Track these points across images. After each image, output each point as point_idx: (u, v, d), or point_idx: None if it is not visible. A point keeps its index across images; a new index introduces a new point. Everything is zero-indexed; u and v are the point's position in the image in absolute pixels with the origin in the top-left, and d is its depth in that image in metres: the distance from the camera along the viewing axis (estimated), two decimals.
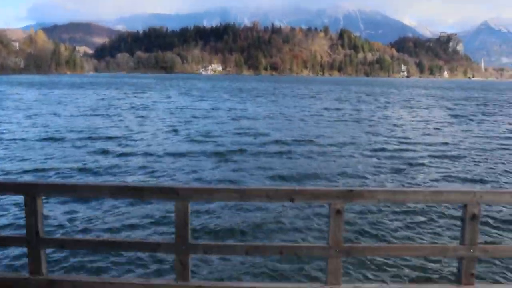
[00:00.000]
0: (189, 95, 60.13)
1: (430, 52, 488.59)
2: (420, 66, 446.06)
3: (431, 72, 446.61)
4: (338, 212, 3.65)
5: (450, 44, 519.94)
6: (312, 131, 23.69)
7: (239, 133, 22.50)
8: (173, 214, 4.06)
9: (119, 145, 18.99)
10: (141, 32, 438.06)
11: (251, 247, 4.02)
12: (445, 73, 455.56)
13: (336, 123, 27.98)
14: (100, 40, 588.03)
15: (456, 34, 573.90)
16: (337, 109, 38.83)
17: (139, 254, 7.38)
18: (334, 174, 13.91)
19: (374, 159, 16.34)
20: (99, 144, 18.92)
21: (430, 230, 9.08)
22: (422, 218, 9.78)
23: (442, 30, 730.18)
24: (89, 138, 20.71)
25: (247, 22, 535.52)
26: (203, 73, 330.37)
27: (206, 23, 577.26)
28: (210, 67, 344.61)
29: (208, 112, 34.94)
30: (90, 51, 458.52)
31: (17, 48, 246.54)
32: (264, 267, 7.21)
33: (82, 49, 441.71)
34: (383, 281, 6.71)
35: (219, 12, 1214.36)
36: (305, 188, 3.74)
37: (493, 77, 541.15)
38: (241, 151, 17.57)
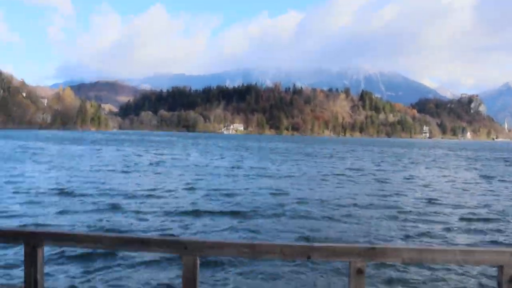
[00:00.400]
0: (210, 153, 59.88)
1: (452, 113, 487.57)
2: (442, 127, 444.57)
3: (454, 133, 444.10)
4: (360, 271, 3.31)
5: (472, 105, 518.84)
6: (334, 191, 22.81)
7: (259, 192, 21.71)
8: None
9: (134, 200, 18.38)
10: (164, 91, 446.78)
11: None
12: (468, 134, 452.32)
13: (359, 183, 27.05)
14: (125, 98, 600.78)
15: (477, 96, 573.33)
16: (360, 169, 37.89)
17: None
18: (356, 235, 13.02)
19: (399, 221, 15.35)
20: (112, 199, 18.34)
21: None
22: (453, 280, 8.96)
23: (463, 91, 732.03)
24: (103, 193, 20.18)
25: (269, 83, 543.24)
26: (225, 132, 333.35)
27: (229, 84, 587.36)
28: (232, 127, 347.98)
29: (228, 170, 34.32)
30: (115, 109, 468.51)
31: (45, 105, 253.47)
32: None
33: (107, 106, 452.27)
34: None
35: (242, 73, 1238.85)
36: (323, 245, 3.43)
37: None
38: (259, 209, 16.77)
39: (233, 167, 36.85)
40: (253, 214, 15.96)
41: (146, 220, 14.63)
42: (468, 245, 12.25)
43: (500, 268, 3.36)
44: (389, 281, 8.94)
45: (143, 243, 3.57)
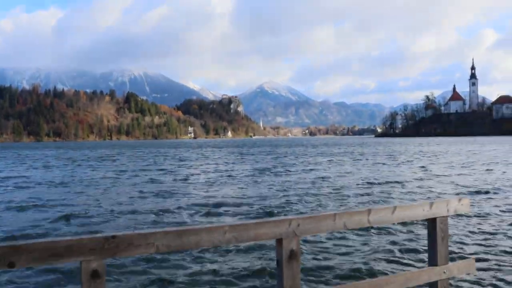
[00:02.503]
0: None
1: (214, 113, 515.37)
2: (205, 127, 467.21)
3: (216, 133, 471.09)
4: (96, 274, 2.58)
5: (232, 105, 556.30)
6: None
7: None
8: None
9: None
10: None
11: None
12: (229, 133, 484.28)
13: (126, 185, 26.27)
14: None
15: (236, 97, 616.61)
16: (125, 170, 37.08)
17: None
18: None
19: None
20: None
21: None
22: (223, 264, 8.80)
23: (224, 93, 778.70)
24: None
25: (26, 85, 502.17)
26: None
27: None
28: None
29: None
30: None
31: None
32: None
33: None
34: None
35: None
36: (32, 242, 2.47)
37: (271, 135, 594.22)
38: None
39: None
40: None
41: None
42: None
43: (278, 241, 3.20)
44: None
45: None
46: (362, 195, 18.88)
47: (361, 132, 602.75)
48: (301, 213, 15.17)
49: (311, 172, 31.35)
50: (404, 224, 11.61)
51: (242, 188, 22.52)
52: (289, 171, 32.42)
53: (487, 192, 18.92)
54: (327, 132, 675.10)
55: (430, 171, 30.21)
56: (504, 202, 16.16)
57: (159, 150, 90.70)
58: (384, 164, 38.50)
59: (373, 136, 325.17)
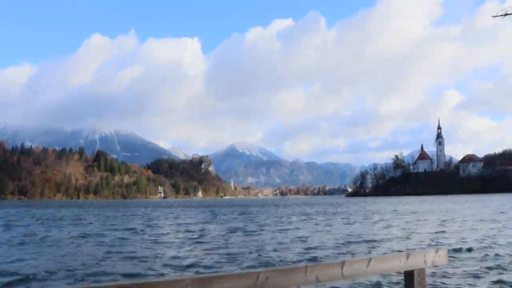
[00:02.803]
0: None
1: (185, 173, 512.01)
2: (176, 187, 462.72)
3: (187, 192, 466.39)
4: None
5: (203, 165, 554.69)
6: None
7: None
8: None
9: None
10: None
11: None
12: (199, 193, 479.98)
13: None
14: None
15: (207, 156, 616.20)
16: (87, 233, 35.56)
17: None
18: None
19: None
20: None
21: None
22: None
23: (195, 152, 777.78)
24: None
25: None
26: None
27: None
28: None
29: None
30: None
31: None
32: None
33: None
34: None
35: None
36: None
37: (242, 195, 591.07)
38: None
39: None
40: None
41: None
42: None
43: None
44: None
45: None
46: (339, 254, 18.26)
47: (331, 192, 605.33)
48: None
49: (285, 231, 30.57)
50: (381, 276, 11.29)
51: (213, 248, 21.57)
52: (262, 230, 31.56)
53: (469, 250, 18.61)
54: (298, 192, 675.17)
55: (407, 229, 29.83)
56: (485, 259, 15.78)
57: (128, 210, 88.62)
58: (359, 222, 38.06)
59: (344, 195, 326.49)
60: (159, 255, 19.12)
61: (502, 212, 50.18)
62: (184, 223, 42.01)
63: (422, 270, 3.92)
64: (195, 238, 26.74)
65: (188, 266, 15.76)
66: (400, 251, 18.63)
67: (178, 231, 32.65)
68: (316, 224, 37.13)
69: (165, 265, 16.15)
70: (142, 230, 33.47)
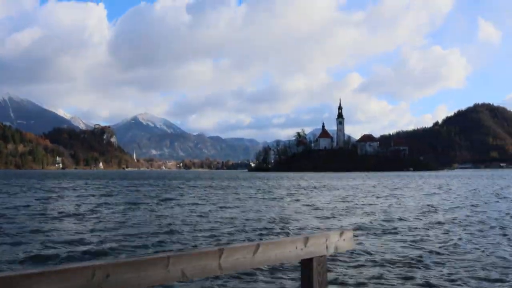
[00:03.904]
0: None
1: (86, 143, 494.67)
2: (75, 158, 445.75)
3: (87, 163, 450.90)
4: None
5: (104, 136, 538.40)
6: None
7: None
8: None
9: None
10: None
11: None
12: (101, 164, 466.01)
13: None
14: None
15: (109, 127, 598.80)
16: None
17: None
18: None
19: None
20: None
21: None
22: None
23: (98, 123, 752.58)
24: None
25: None
26: None
27: None
28: None
29: None
30: None
31: None
32: None
33: None
34: None
35: None
36: None
37: (145, 167, 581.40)
38: None
39: None
40: None
41: None
42: None
43: None
44: None
45: None
46: (236, 231, 17.83)
47: (235, 167, 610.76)
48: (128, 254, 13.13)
49: (184, 206, 29.96)
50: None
51: (97, 223, 20.49)
52: (160, 205, 30.71)
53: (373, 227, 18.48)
54: (201, 166, 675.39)
55: (314, 205, 30.25)
56: (395, 238, 15.91)
57: (19, 181, 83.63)
58: (263, 199, 38.17)
59: (247, 170, 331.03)
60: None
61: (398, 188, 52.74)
62: (77, 196, 40.03)
63: (323, 258, 3.36)
64: (76, 214, 25.39)
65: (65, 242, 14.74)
66: (298, 234, 16.39)
67: (66, 206, 31.00)
68: (219, 199, 36.81)
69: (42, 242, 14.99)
70: (31, 204, 31.40)
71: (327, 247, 3.38)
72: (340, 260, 11.45)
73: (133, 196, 40.93)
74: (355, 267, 10.94)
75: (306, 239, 3.25)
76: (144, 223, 20.26)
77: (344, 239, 3.55)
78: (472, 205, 29.16)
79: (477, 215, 23.08)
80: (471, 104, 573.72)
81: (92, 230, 17.66)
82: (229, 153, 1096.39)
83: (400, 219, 21.33)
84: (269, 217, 22.39)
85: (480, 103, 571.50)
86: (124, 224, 19.80)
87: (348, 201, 33.65)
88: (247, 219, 21.63)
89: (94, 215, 23.28)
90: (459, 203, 30.96)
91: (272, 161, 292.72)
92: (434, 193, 44.62)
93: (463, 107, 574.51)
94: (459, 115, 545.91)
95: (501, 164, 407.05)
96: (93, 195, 41.00)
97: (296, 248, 3.17)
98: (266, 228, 18.39)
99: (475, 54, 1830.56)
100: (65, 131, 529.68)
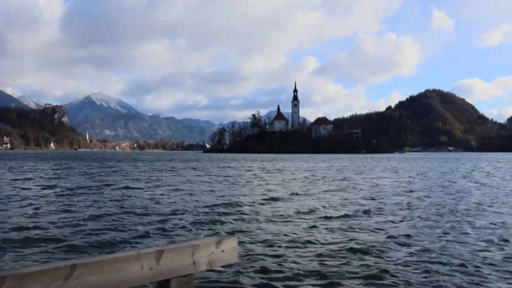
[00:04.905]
0: None
1: (36, 123, 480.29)
2: (25, 138, 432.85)
3: (38, 144, 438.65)
4: None
5: (56, 116, 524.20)
6: None
7: None
8: None
9: None
10: None
11: None
12: (52, 145, 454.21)
13: None
14: None
15: (61, 106, 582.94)
16: None
17: None
18: None
19: None
20: None
21: None
22: None
23: (49, 102, 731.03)
24: None
25: None
26: None
27: None
28: None
29: None
30: None
31: None
32: None
33: None
34: None
35: None
36: None
37: (98, 148, 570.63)
38: None
39: None
40: None
41: None
42: None
43: None
44: None
45: None
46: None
47: (190, 148, 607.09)
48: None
49: (135, 190, 29.81)
50: None
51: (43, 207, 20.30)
52: (107, 187, 30.41)
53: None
54: (156, 147, 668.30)
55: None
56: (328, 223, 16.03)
57: None
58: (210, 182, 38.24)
59: (202, 151, 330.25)
60: None
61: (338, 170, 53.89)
62: (23, 178, 39.17)
63: (186, 278, 2.48)
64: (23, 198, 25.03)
65: None
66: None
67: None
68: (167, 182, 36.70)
69: None
70: None
71: (194, 263, 2.50)
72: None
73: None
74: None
75: (160, 254, 2.34)
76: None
77: (223, 250, 2.66)
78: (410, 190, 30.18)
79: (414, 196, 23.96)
80: (422, 90, 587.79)
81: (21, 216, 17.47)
82: (185, 134, 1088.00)
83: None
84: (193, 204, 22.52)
85: (431, 89, 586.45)
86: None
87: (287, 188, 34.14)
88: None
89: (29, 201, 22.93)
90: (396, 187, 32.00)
91: (227, 142, 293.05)
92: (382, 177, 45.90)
93: (415, 92, 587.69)
94: (411, 100, 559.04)
95: (449, 148, 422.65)
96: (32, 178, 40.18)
97: (142, 267, 2.26)
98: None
99: (428, 42, 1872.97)
100: (14, 110, 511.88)
